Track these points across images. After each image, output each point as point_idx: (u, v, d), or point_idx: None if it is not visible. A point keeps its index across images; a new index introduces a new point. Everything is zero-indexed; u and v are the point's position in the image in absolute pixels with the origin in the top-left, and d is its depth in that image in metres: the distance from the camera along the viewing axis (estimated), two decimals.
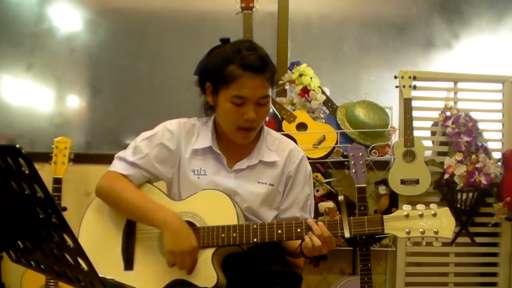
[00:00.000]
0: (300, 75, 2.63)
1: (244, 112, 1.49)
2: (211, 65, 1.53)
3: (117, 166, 1.58)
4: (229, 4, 2.69)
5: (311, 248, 1.42)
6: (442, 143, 2.76)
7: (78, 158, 2.63)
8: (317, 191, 2.52)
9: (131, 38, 3.01)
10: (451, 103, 2.75)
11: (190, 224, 1.50)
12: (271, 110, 2.64)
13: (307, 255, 1.49)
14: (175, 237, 1.43)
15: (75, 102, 3.04)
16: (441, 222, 1.40)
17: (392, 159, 2.67)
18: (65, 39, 2.97)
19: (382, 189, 2.69)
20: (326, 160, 2.61)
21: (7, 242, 1.05)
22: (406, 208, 1.43)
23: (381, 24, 3.11)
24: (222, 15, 2.94)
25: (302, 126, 2.62)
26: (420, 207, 1.42)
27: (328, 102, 2.72)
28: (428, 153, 2.76)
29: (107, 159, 1.65)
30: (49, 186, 2.49)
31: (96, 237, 1.55)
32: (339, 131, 2.63)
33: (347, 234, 1.42)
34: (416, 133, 2.62)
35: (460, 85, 2.82)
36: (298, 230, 1.45)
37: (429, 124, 2.81)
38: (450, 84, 2.82)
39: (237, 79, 1.46)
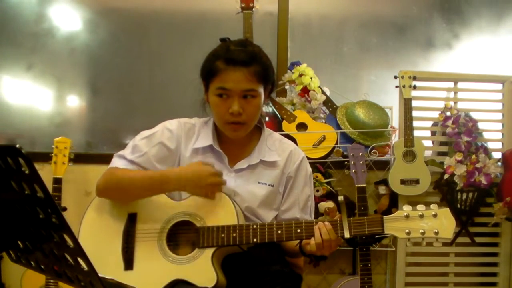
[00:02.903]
0: (300, 75, 2.63)
1: (229, 106, 1.50)
2: (203, 63, 1.57)
3: (116, 163, 1.58)
4: (229, 4, 2.68)
5: (316, 248, 1.42)
6: (442, 143, 2.76)
7: (78, 158, 2.63)
8: (317, 191, 2.52)
9: (131, 38, 3.01)
10: (451, 103, 2.74)
11: (190, 224, 1.50)
12: (270, 110, 2.64)
13: (307, 253, 1.49)
14: (195, 179, 1.47)
15: (75, 102, 3.04)
16: (441, 222, 1.40)
17: (392, 159, 2.67)
18: (65, 39, 2.98)
19: (382, 189, 2.69)
20: (326, 160, 2.62)
21: (7, 242, 1.05)
22: (406, 208, 1.43)
23: (381, 24, 3.11)
24: (222, 15, 2.94)
25: (302, 126, 2.62)
26: (421, 207, 1.42)
27: (328, 102, 2.72)
28: (428, 153, 2.76)
29: (107, 159, 1.65)
30: (49, 186, 2.49)
31: (96, 237, 1.55)
32: (339, 131, 2.63)
33: (347, 235, 1.42)
34: (416, 133, 2.61)
35: (460, 85, 2.81)
36: (298, 230, 1.45)
37: (429, 124, 2.81)
38: (450, 84, 2.82)
39: (220, 72, 1.50)
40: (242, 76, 1.49)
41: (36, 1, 2.97)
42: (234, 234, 1.46)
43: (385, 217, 1.43)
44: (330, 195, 2.58)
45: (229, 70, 1.49)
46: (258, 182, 1.59)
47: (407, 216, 1.41)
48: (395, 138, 2.70)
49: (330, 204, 2.52)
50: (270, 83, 1.58)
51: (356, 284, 2.41)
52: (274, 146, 1.65)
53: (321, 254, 1.44)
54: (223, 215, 1.48)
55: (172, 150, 1.60)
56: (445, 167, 2.66)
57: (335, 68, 3.07)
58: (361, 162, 2.24)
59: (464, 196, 2.68)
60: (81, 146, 2.91)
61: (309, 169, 1.68)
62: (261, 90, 1.54)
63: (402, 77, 2.63)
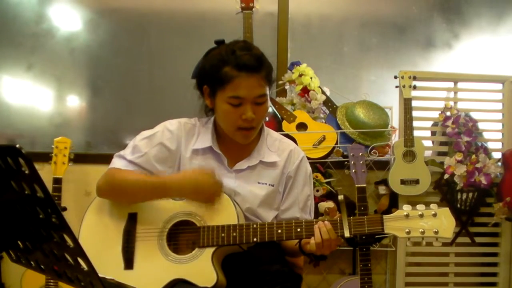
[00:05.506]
0: (300, 75, 2.63)
1: (242, 112, 1.49)
2: (207, 67, 1.54)
3: (116, 163, 1.58)
4: (229, 4, 2.69)
5: (316, 247, 1.42)
6: (442, 143, 2.76)
7: (78, 158, 2.63)
8: (317, 191, 2.52)
9: (131, 38, 3.01)
10: (451, 103, 2.74)
11: (191, 223, 1.50)
12: (270, 110, 2.64)
13: (307, 252, 1.49)
14: (196, 189, 1.46)
15: (75, 102, 3.04)
16: (441, 222, 1.40)
17: (392, 159, 2.67)
18: (65, 39, 2.98)
19: (382, 189, 2.69)
20: (326, 160, 2.61)
21: (7, 242, 1.05)
22: (406, 208, 1.43)
23: (381, 24, 3.11)
24: (222, 15, 2.93)
25: (302, 126, 2.62)
26: (420, 207, 1.42)
27: (328, 102, 2.72)
28: (428, 153, 2.76)
29: (107, 159, 1.65)
30: (49, 186, 2.49)
31: (96, 237, 1.56)
32: (339, 131, 2.63)
33: (347, 234, 1.42)
34: (416, 133, 2.61)
35: (460, 85, 2.81)
36: (298, 229, 1.45)
37: (429, 124, 2.81)
38: (450, 84, 2.82)
39: (232, 80, 1.46)
40: (256, 83, 1.48)
41: (36, 1, 2.97)
42: (234, 234, 1.46)
43: (385, 216, 1.43)
44: (330, 195, 2.58)
45: (242, 77, 1.46)
46: (258, 182, 1.59)
47: (407, 216, 1.41)
48: (395, 138, 2.70)
49: (330, 204, 2.51)
50: (271, 83, 1.59)
51: (356, 284, 2.41)
52: (274, 147, 1.65)
53: (321, 253, 1.44)
54: (223, 215, 1.49)
55: (172, 150, 1.60)
56: (445, 167, 2.66)
57: (335, 68, 3.07)
58: (361, 162, 2.24)
59: (464, 196, 2.68)
60: (81, 146, 2.91)
61: (309, 168, 1.68)
62: (268, 92, 1.54)
63: (402, 77, 2.63)
